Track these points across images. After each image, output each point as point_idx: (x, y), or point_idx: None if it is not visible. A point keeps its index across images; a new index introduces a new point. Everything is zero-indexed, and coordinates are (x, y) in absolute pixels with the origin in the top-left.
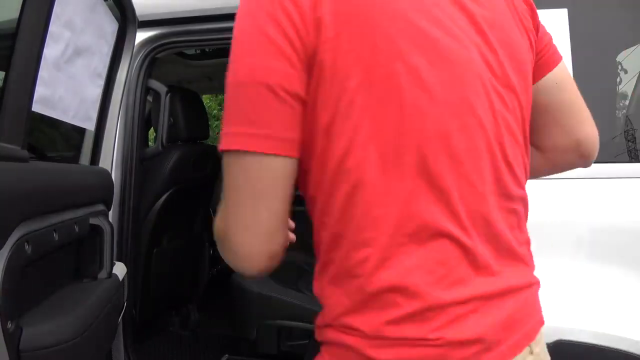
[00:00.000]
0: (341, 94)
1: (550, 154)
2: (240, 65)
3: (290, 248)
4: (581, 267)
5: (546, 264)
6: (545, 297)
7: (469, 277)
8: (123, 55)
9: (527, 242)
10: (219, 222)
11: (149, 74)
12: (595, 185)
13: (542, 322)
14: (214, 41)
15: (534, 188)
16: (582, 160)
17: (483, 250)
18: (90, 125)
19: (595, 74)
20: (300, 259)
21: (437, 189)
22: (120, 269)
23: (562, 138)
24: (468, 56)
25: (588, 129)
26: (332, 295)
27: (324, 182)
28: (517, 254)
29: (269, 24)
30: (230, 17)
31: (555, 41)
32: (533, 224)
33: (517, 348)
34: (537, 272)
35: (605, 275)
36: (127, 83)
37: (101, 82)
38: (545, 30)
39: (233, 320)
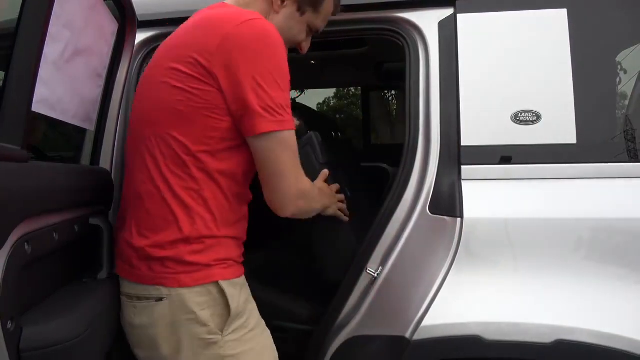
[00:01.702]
0: None
1: None
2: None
3: (275, 248)
4: (581, 267)
5: (546, 264)
6: (546, 297)
7: None
8: (123, 55)
9: None
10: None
11: None
12: (595, 185)
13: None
14: None
15: (534, 188)
16: None
17: None
18: (90, 126)
19: (595, 74)
20: (284, 259)
21: None
22: None
23: None
24: None
25: None
26: None
27: None
28: None
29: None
30: None
31: (555, 41)
32: (534, 223)
33: None
34: (537, 272)
35: (605, 275)
36: (127, 83)
37: (101, 82)
38: None
39: None
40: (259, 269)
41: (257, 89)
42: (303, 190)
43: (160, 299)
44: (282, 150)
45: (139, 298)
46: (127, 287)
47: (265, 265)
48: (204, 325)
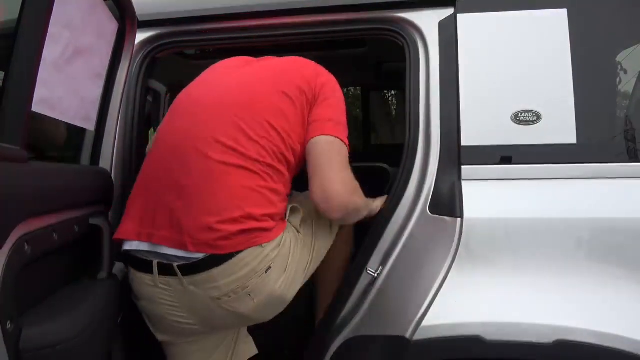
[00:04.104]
0: None
1: None
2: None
3: None
4: (581, 267)
5: (546, 264)
6: (546, 296)
7: None
8: (123, 55)
9: None
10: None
11: (149, 74)
12: (595, 185)
13: None
14: (214, 41)
15: (534, 188)
16: None
17: None
18: (90, 126)
19: (595, 74)
20: None
21: None
22: (120, 269)
23: None
24: None
25: None
26: None
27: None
28: None
29: None
30: (229, 17)
31: (555, 41)
32: (534, 223)
33: None
34: (537, 272)
35: (605, 275)
36: (127, 83)
37: (101, 82)
38: None
39: None
40: None
41: (335, 108)
42: (352, 184)
43: (269, 268)
44: (338, 152)
45: (244, 286)
46: (225, 281)
47: None
48: (298, 231)
